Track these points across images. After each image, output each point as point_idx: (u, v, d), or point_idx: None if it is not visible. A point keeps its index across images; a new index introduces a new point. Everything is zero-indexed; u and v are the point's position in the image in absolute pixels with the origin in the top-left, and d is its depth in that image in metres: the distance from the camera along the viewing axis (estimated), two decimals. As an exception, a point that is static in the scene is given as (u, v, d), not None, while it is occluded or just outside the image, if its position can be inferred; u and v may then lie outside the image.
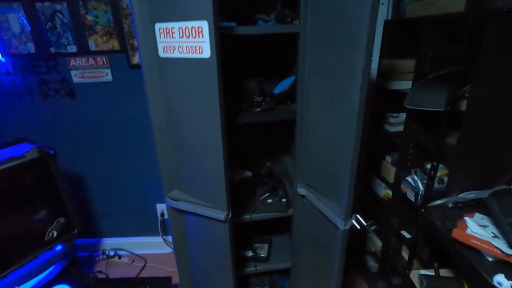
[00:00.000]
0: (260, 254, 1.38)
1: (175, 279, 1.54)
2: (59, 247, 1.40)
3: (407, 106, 1.05)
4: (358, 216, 0.93)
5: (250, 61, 1.30)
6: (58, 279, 1.38)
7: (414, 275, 1.07)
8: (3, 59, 1.50)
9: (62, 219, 1.37)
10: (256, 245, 1.44)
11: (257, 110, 1.09)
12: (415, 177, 1.12)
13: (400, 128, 1.30)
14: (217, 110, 0.86)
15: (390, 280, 1.38)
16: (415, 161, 1.18)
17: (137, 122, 1.62)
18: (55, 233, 1.34)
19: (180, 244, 1.21)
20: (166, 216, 1.82)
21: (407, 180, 1.16)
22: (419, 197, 1.08)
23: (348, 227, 0.93)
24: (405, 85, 1.22)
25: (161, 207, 1.80)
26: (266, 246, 1.44)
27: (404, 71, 1.23)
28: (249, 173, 1.38)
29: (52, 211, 1.34)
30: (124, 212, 1.83)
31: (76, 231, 1.44)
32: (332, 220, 0.97)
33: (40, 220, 1.31)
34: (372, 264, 1.67)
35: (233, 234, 1.07)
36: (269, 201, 1.26)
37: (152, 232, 1.86)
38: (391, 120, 1.34)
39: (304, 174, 1.13)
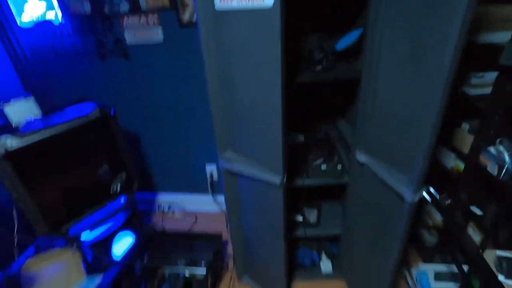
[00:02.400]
0: (310, 219, 1.37)
1: (224, 237, 1.61)
2: (122, 199, 1.53)
3: (505, 63, 0.87)
4: (430, 188, 0.84)
5: (309, 13, 1.16)
6: (123, 228, 1.53)
7: (487, 255, 0.96)
8: (63, 21, 1.55)
9: (123, 174, 1.47)
10: (305, 209, 1.42)
11: (317, 68, 0.99)
12: (501, 148, 0.96)
13: (484, 90, 1.10)
14: (278, 66, 0.79)
15: (454, 256, 1.28)
16: (502, 130, 1.01)
17: (189, 82, 1.61)
18: (118, 186, 1.45)
19: (232, 204, 1.23)
20: (215, 177, 1.87)
21: (489, 151, 1.00)
22: (505, 171, 0.93)
23: (416, 199, 0.85)
24: (501, 37, 1.01)
25: (210, 168, 1.85)
26: (315, 211, 1.41)
27: (500, 19, 1.01)
28: (301, 137, 1.32)
29: (114, 167, 1.44)
30: (177, 170, 1.92)
31: (136, 185, 1.55)
32: (398, 191, 0.89)
33: (105, 175, 1.42)
34: (428, 238, 1.57)
35: (286, 198, 1.05)
36: (323, 167, 1.20)
37: (203, 191, 1.94)
38: (474, 80, 1.14)
39: (365, 140, 1.03)
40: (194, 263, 1.38)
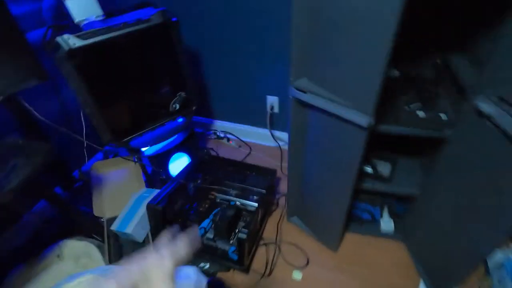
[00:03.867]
0: (382, 172, 1.17)
1: (278, 173, 1.53)
2: (180, 119, 1.49)
3: None
4: None
5: None
6: (179, 148, 1.52)
7: None
8: None
9: (183, 93, 1.39)
10: (376, 161, 1.22)
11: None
12: None
13: None
14: None
15: None
16: None
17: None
18: (177, 106, 1.39)
19: (296, 139, 1.08)
20: (275, 110, 1.71)
21: None
22: None
23: None
24: None
25: (271, 100, 1.68)
26: (389, 165, 1.20)
27: None
28: (395, 71, 1.04)
29: (174, 84, 1.36)
30: (235, 98, 1.80)
31: (194, 107, 1.48)
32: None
33: (164, 92, 1.35)
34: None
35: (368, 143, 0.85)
36: (421, 113, 0.94)
37: (260, 124, 1.82)
38: None
39: (501, 82, 0.73)
40: (246, 195, 1.33)
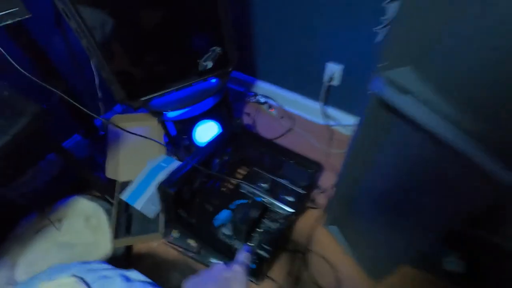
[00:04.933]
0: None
1: (322, 160, 1.23)
2: (213, 81, 1.19)
3: None
4: None
5: None
6: (209, 113, 1.26)
7: None
8: None
9: (218, 49, 1.06)
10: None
11: None
12: None
13: None
14: None
15: None
16: None
17: None
18: (209, 64, 1.08)
19: (360, 151, 0.74)
20: (335, 82, 1.32)
21: None
22: None
23: None
24: None
25: (332, 69, 1.28)
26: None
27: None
28: None
29: (207, 36, 1.03)
30: (288, 58, 1.42)
31: (231, 67, 1.16)
32: None
33: (194, 45, 1.04)
34: None
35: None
36: None
37: (312, 95, 1.45)
38: None
39: None
40: (277, 193, 1.07)
